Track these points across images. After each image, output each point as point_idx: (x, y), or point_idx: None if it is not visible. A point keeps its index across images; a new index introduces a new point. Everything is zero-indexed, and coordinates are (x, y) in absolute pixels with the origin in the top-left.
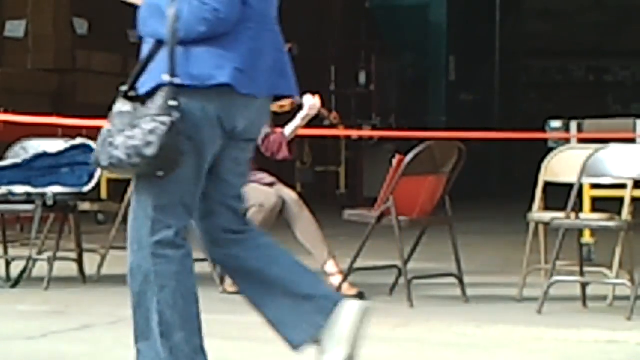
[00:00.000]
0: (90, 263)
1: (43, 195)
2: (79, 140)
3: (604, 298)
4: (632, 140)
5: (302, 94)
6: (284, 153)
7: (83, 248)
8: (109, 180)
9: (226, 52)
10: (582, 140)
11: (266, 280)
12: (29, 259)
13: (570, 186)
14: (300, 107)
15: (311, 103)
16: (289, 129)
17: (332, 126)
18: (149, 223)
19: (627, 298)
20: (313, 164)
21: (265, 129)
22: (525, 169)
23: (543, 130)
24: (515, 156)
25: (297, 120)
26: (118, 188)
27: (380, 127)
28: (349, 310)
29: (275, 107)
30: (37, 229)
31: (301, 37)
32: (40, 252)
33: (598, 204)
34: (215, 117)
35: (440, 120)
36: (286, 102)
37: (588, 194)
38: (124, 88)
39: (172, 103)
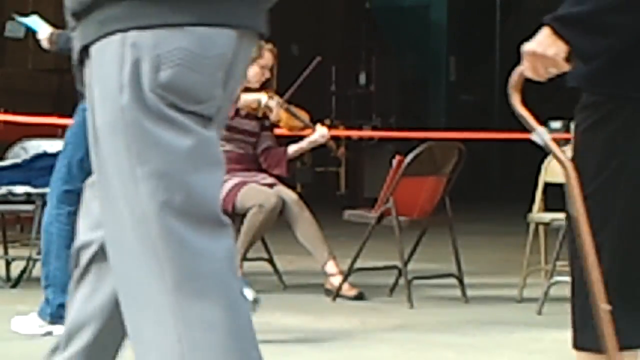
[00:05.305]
0: None
1: (43, 195)
2: None
3: None
4: None
5: (315, 122)
6: (281, 169)
7: None
8: None
9: None
10: None
11: None
12: (29, 259)
13: None
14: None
15: (323, 132)
16: (292, 149)
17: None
18: None
19: None
20: (313, 165)
21: (267, 142)
22: (526, 170)
23: None
24: (516, 157)
25: (304, 144)
26: None
27: (381, 127)
28: None
29: (287, 128)
30: (37, 229)
31: (301, 37)
32: (40, 252)
33: None
34: None
35: (441, 120)
36: (300, 125)
37: None
38: None
39: None
